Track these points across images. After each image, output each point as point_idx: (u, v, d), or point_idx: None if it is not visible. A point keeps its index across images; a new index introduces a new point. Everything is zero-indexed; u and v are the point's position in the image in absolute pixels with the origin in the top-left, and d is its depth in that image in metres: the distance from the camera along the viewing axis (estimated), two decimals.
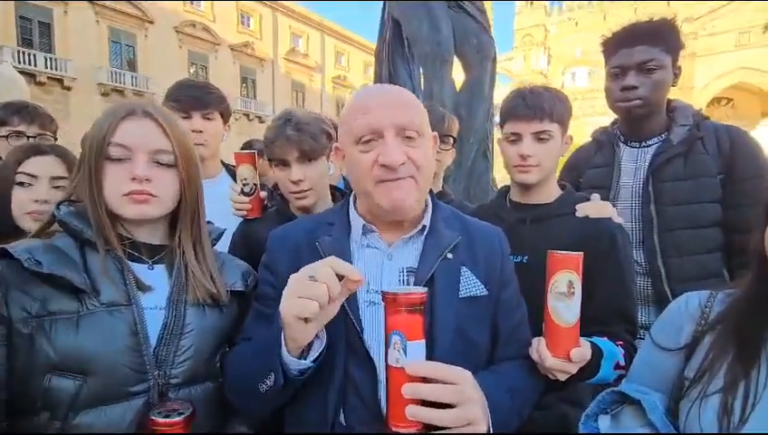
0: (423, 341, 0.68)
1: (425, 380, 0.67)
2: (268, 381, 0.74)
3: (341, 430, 0.80)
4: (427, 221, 0.87)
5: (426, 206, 0.91)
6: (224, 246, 1.36)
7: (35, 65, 16.74)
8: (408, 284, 0.83)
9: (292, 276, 0.70)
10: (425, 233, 0.87)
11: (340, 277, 0.69)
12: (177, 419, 0.71)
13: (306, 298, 0.66)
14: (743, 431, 0.64)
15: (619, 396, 0.79)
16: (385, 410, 0.75)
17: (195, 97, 1.52)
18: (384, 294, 0.68)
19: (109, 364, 0.74)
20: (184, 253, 0.89)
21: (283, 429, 0.89)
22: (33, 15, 17.03)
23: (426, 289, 0.69)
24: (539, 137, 1.16)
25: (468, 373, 0.71)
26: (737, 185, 1.37)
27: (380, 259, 0.86)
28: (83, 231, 0.80)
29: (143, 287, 0.82)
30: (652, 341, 0.85)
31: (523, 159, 1.16)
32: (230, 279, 0.94)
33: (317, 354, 0.74)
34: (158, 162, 0.84)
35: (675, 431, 0.70)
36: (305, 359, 0.74)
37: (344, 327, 0.80)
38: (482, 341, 0.86)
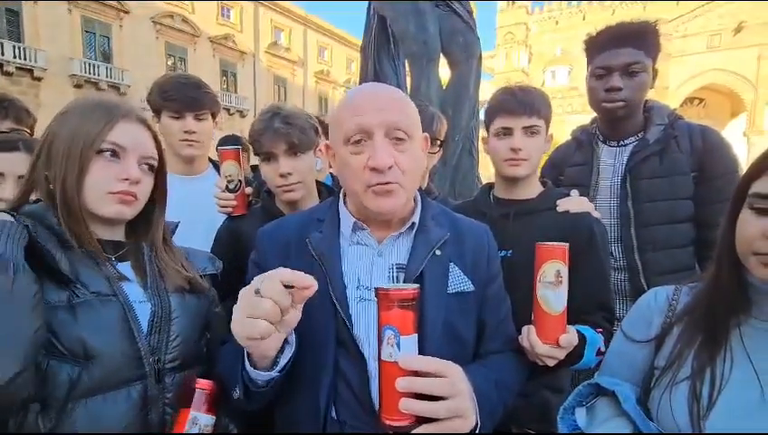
0: (415, 335, 0.69)
1: (416, 373, 0.68)
2: (237, 391, 0.75)
3: (333, 425, 0.81)
4: (416, 218, 0.89)
5: (415, 203, 0.92)
6: (208, 243, 1.35)
7: (2, 54, 16.01)
8: (397, 280, 0.84)
9: (241, 292, 0.68)
10: (414, 230, 0.88)
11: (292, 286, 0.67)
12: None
13: (253, 317, 0.64)
14: (711, 415, 0.68)
15: (595, 388, 0.82)
16: (377, 405, 0.76)
17: (190, 98, 1.48)
18: (377, 290, 0.69)
19: (108, 350, 0.75)
20: (155, 248, 0.91)
21: (274, 424, 0.90)
22: (0, 3, 16.26)
23: (418, 285, 0.71)
24: (529, 131, 1.19)
25: (458, 367, 0.73)
26: (709, 182, 1.43)
27: (370, 256, 0.87)
28: (55, 227, 0.78)
29: (122, 279, 0.83)
30: (623, 334, 0.89)
31: (514, 152, 1.19)
32: (200, 265, 0.98)
33: (285, 362, 0.74)
34: (144, 167, 0.87)
35: (646, 419, 0.73)
36: (277, 365, 0.74)
37: (334, 323, 0.81)
38: (468, 335, 0.88)
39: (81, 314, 0.74)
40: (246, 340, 0.66)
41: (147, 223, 0.93)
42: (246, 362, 0.73)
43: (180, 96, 1.46)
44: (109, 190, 0.81)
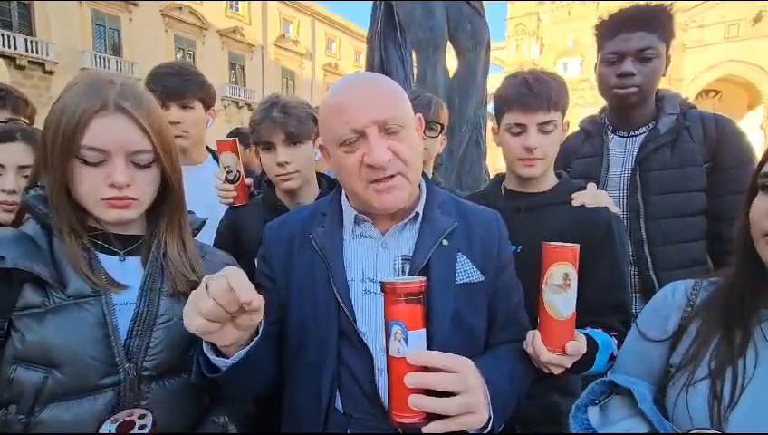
0: (423, 330, 0.67)
1: (426, 369, 0.66)
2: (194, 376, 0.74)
3: (338, 418, 0.80)
4: (420, 208, 0.86)
5: (420, 191, 0.89)
6: (210, 233, 1.34)
7: (15, 48, 16.17)
8: (403, 272, 0.82)
9: (204, 279, 0.65)
10: (419, 220, 0.86)
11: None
12: None
13: (195, 312, 0.62)
14: (733, 414, 0.65)
15: (609, 386, 0.79)
16: (384, 399, 0.75)
17: (170, 86, 1.44)
18: (383, 284, 0.67)
19: (75, 356, 0.71)
20: (165, 243, 0.85)
21: (280, 413, 0.89)
22: None
23: (425, 278, 0.68)
24: (544, 128, 1.12)
25: (469, 361, 0.71)
26: (722, 174, 1.38)
27: (375, 248, 0.85)
28: (49, 216, 0.77)
29: (112, 280, 0.79)
30: (638, 331, 0.85)
31: (528, 151, 1.12)
32: (214, 270, 0.91)
33: (242, 355, 0.70)
34: (136, 163, 0.78)
35: (663, 420, 0.70)
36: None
37: (337, 316, 0.80)
38: (479, 326, 0.86)
39: (48, 321, 0.71)
40: (192, 328, 0.63)
41: (157, 216, 0.87)
42: (204, 346, 0.70)
43: (160, 86, 1.41)
44: (101, 197, 0.76)
